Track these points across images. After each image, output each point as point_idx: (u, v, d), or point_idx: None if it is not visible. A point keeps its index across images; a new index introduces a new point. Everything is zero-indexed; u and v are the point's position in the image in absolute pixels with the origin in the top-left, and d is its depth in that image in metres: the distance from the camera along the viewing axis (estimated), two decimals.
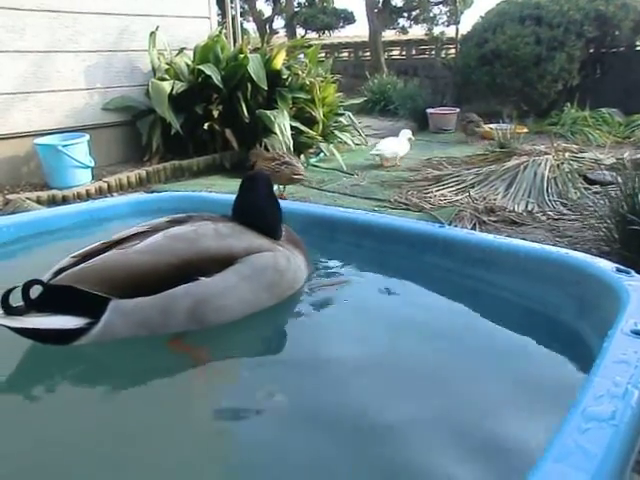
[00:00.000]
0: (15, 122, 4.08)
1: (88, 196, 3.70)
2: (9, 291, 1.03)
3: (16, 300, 1.39)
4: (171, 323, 1.13)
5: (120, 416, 1.00)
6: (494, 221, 3.01)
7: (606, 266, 1.23)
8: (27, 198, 3.39)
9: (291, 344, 1.25)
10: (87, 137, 4.05)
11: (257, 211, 1.38)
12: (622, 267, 1.21)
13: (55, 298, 1.05)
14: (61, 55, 4.29)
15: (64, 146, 3.87)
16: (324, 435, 0.93)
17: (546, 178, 3.51)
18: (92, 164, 4.06)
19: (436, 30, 13.40)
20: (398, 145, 4.59)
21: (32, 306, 1.04)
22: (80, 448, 0.91)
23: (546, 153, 3.92)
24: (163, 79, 4.45)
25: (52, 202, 3.54)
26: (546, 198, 3.35)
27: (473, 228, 2.87)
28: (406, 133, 4.82)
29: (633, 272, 1.18)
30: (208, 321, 1.17)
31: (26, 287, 1.04)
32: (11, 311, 1.02)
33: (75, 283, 1.05)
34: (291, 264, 1.34)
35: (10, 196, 3.44)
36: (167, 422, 0.98)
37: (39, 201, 3.44)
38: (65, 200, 3.59)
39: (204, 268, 1.14)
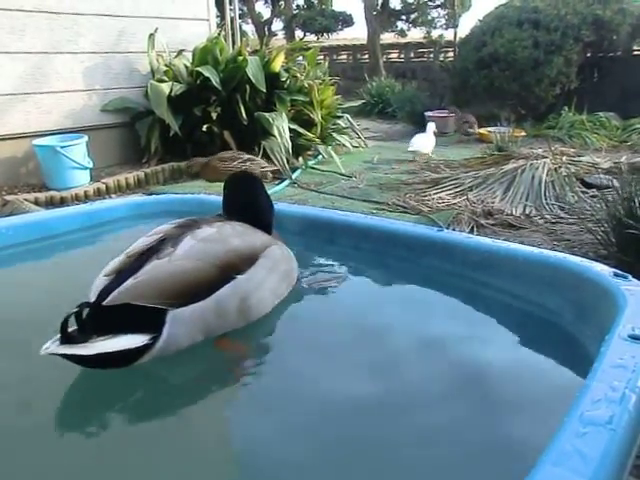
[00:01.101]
0: (14, 123, 4.08)
1: (86, 197, 3.71)
2: (67, 318, 0.97)
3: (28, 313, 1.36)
4: (225, 324, 1.16)
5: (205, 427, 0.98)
6: (492, 224, 3.02)
7: (604, 270, 1.23)
8: (25, 199, 3.39)
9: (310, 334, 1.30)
10: (85, 138, 4.05)
11: (258, 209, 1.42)
12: (619, 272, 1.21)
13: (109, 319, 1.01)
14: (60, 56, 4.29)
15: (62, 147, 3.87)
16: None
17: (544, 181, 3.52)
18: (90, 165, 4.06)
19: (434, 33, 13.45)
20: (428, 140, 5.04)
21: (86, 331, 0.99)
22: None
23: (544, 157, 3.94)
24: (162, 81, 4.45)
25: (50, 203, 3.54)
26: (544, 201, 3.36)
27: (471, 231, 2.88)
28: (431, 126, 5.24)
29: (630, 277, 1.19)
30: (252, 316, 1.22)
31: (80, 311, 1.00)
32: (72, 339, 0.96)
33: (133, 300, 1.02)
34: (290, 254, 1.41)
35: (8, 197, 3.43)
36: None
37: (37, 202, 3.44)
38: (63, 201, 3.59)
39: (238, 266, 1.18)
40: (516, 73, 6.72)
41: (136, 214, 2.06)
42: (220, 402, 1.08)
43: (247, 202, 1.43)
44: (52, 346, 0.96)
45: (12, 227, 1.80)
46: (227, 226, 1.28)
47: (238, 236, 1.26)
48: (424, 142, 4.98)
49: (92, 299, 1.04)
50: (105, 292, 1.04)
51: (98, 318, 1.01)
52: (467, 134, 6.31)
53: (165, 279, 1.09)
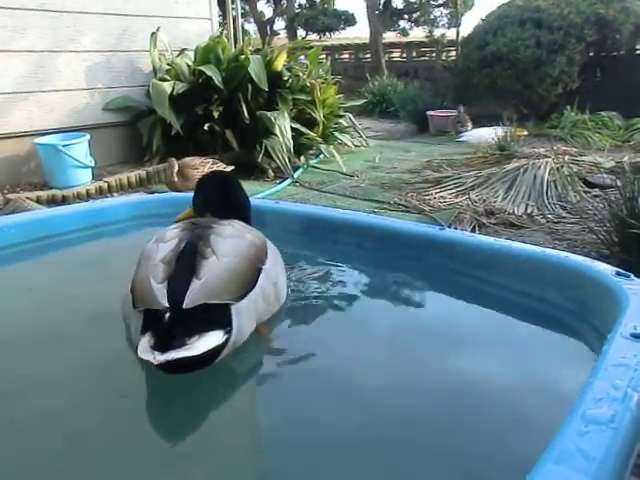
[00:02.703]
0: (16, 121, 4.09)
1: (88, 196, 3.71)
2: (164, 326, 0.99)
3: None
4: (268, 309, 1.25)
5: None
6: (494, 223, 3.02)
7: (606, 269, 1.23)
8: (27, 198, 3.39)
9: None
10: (88, 137, 4.06)
11: (240, 206, 1.48)
12: (622, 271, 1.20)
13: (190, 321, 1.02)
14: (62, 55, 4.30)
15: (64, 146, 3.88)
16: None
17: (546, 181, 3.52)
18: (92, 164, 4.07)
19: (437, 32, 13.42)
20: (487, 134, 5.04)
21: (176, 335, 1.00)
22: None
23: (546, 156, 3.93)
24: (164, 79, 4.46)
25: (52, 202, 3.55)
26: (546, 201, 3.36)
27: (473, 230, 2.88)
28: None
29: (633, 276, 1.18)
30: (281, 300, 1.32)
31: (171, 316, 1.01)
32: (174, 344, 0.97)
33: (208, 299, 1.05)
34: None
35: (10, 195, 3.44)
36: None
37: (39, 201, 3.45)
38: (65, 200, 3.60)
39: (260, 258, 1.26)
40: (518, 72, 6.71)
41: (138, 213, 2.07)
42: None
43: (229, 200, 1.46)
44: (156, 354, 0.96)
45: (14, 225, 1.80)
46: (235, 223, 1.33)
47: (248, 232, 1.32)
48: (479, 135, 5.08)
49: (165, 304, 1.02)
50: (176, 296, 1.03)
51: (182, 321, 1.02)
52: (458, 132, 6.35)
53: (227, 276, 1.13)
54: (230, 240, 1.22)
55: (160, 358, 0.95)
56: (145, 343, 0.99)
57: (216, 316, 1.07)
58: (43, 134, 4.13)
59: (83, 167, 3.99)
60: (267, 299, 1.23)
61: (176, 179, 3.51)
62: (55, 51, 4.25)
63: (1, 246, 1.73)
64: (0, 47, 3.93)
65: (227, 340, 1.05)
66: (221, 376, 1.11)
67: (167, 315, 1.01)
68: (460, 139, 5.11)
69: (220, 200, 1.45)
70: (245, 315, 1.13)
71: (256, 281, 1.19)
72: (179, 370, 0.99)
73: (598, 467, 0.66)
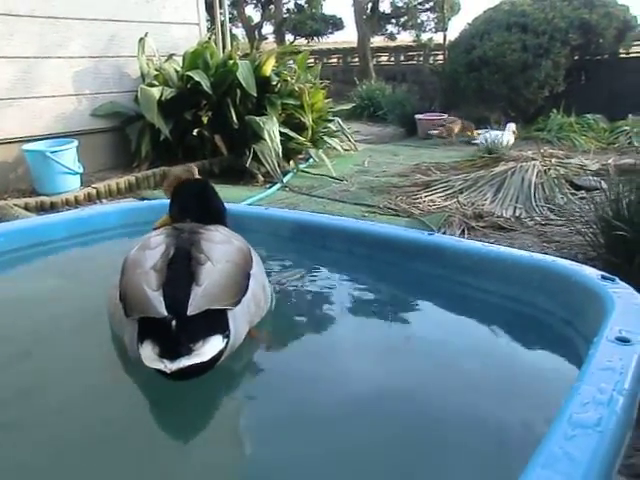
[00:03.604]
0: (3, 128, 4.05)
1: (77, 202, 3.69)
2: (171, 334, 0.99)
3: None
4: (259, 313, 1.27)
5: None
6: (482, 226, 3.04)
7: (591, 274, 1.25)
8: (15, 204, 3.36)
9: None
10: (76, 143, 4.03)
11: (217, 212, 1.50)
12: (607, 275, 1.23)
13: (192, 327, 1.02)
14: (50, 61, 4.27)
15: (52, 152, 3.85)
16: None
17: (533, 184, 3.55)
18: (81, 170, 4.04)
19: (424, 36, 13.52)
20: (497, 137, 5.08)
21: (182, 342, 1.00)
22: None
23: (533, 159, 3.97)
24: (152, 85, 4.44)
25: (40, 209, 3.52)
26: (533, 203, 3.39)
27: (462, 233, 2.90)
28: (511, 126, 5.65)
29: (618, 279, 1.20)
30: (269, 303, 1.35)
31: (178, 324, 1.01)
32: (182, 351, 0.97)
33: (210, 305, 1.06)
34: None
35: None
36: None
37: (27, 208, 3.42)
38: (53, 206, 3.57)
39: (248, 262, 1.28)
40: (505, 76, 6.78)
41: (129, 220, 2.06)
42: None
43: (207, 206, 1.48)
44: (166, 363, 0.95)
45: (2, 234, 1.79)
46: (220, 228, 1.34)
47: (233, 237, 1.33)
48: (489, 138, 5.09)
49: (163, 312, 1.01)
50: (176, 303, 1.03)
51: (185, 328, 1.01)
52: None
53: (224, 282, 1.14)
54: (221, 246, 1.23)
55: (171, 367, 0.95)
56: (149, 351, 0.99)
57: (215, 321, 1.08)
58: (31, 140, 4.10)
59: (71, 173, 3.96)
60: (258, 303, 1.25)
61: None
62: (43, 57, 4.22)
63: None
64: None
65: (227, 344, 1.06)
66: (217, 378, 1.11)
67: (173, 323, 1.00)
68: (473, 142, 5.31)
69: (197, 206, 1.47)
70: (240, 319, 1.15)
71: (247, 286, 1.21)
72: (187, 377, 0.99)
73: (585, 471, 0.67)
